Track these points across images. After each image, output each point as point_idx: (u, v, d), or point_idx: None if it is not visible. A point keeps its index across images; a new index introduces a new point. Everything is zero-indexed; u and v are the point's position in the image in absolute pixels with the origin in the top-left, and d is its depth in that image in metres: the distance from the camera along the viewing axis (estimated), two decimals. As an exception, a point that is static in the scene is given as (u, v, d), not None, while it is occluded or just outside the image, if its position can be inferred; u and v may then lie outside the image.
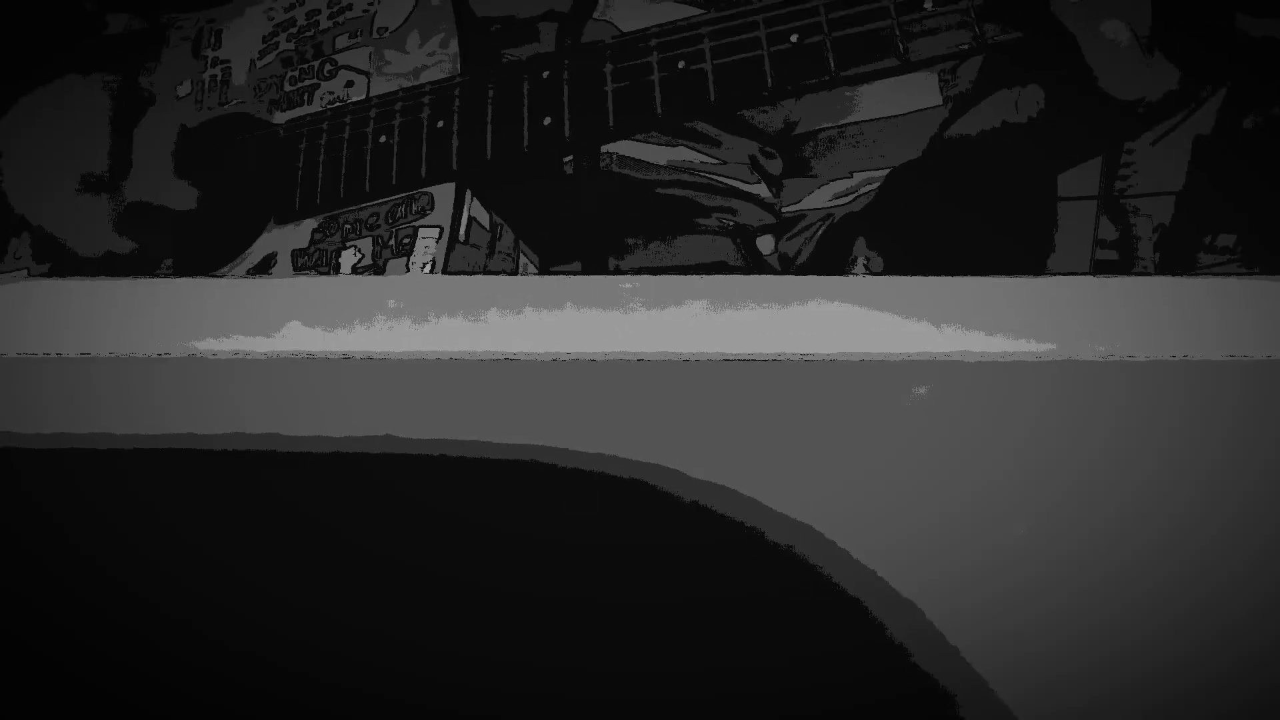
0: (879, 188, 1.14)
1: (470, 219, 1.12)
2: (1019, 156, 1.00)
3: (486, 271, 1.10)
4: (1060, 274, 0.97)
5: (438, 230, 1.11)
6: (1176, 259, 0.95)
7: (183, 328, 0.86)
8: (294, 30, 1.23)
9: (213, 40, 1.25)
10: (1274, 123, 0.96)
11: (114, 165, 1.20)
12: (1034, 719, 0.85)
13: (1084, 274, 0.92)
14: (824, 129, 1.19)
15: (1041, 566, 0.84)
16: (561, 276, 1.03)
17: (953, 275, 0.86)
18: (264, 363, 0.85)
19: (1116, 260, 0.96)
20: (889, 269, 1.07)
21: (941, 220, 1.04)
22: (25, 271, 1.22)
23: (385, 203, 1.13)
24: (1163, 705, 0.85)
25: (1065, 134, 0.99)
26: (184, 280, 0.97)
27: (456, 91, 1.13)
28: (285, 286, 0.87)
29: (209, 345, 0.85)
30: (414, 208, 1.13)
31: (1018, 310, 0.83)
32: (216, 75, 1.23)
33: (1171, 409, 0.82)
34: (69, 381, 0.88)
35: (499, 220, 1.12)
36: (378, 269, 1.10)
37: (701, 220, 1.17)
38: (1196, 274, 0.92)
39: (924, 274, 0.94)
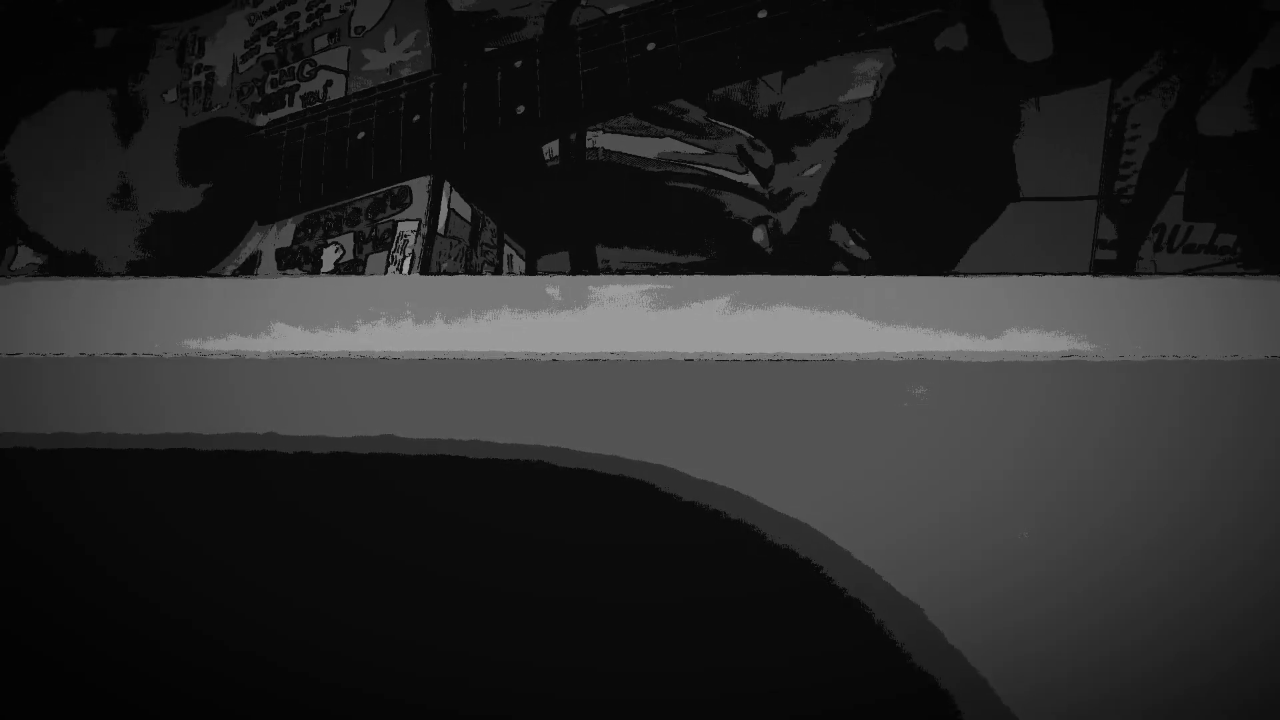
0: (836, 165, 1.14)
1: (450, 211, 1.12)
2: (957, 113, 1.00)
3: (468, 266, 1.10)
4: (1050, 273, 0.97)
5: (416, 223, 1.12)
6: (1175, 259, 0.95)
7: (181, 327, 0.86)
8: (274, 34, 1.24)
9: (196, 48, 1.25)
10: (1274, 123, 0.96)
11: (125, 178, 1.20)
12: (1034, 719, 0.85)
13: (1084, 274, 0.92)
14: (808, 113, 1.19)
15: (1041, 566, 0.84)
16: (540, 277, 1.03)
17: (920, 241, 0.86)
18: (264, 363, 0.85)
19: (1116, 260, 0.96)
20: (869, 244, 1.07)
21: (904, 190, 1.04)
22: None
23: (365, 198, 1.14)
24: (1163, 705, 0.85)
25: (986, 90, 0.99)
26: (181, 280, 0.97)
27: (431, 86, 1.13)
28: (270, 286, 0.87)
29: (206, 345, 0.85)
30: (393, 202, 1.13)
31: (1017, 310, 0.83)
32: (200, 81, 1.23)
33: (1171, 409, 0.82)
34: (69, 381, 0.87)
35: (481, 212, 1.13)
36: (359, 264, 1.11)
37: (692, 211, 1.17)
38: (1196, 274, 0.92)
39: (901, 247, 0.94)
